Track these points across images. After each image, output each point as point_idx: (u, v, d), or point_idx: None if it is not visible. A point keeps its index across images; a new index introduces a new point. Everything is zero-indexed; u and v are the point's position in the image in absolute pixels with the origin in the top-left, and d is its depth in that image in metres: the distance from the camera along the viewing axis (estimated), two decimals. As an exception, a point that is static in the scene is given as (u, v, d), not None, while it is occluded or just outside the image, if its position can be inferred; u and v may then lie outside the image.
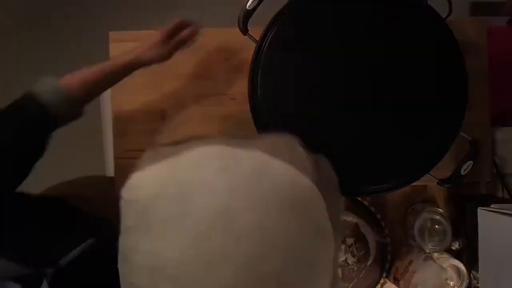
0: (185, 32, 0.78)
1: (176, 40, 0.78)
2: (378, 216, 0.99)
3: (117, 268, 0.41)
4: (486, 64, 1.00)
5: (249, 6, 0.78)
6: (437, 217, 0.92)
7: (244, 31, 0.80)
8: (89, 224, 0.67)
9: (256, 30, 0.78)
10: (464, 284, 0.89)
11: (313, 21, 0.77)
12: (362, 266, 0.99)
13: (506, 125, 0.97)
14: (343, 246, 0.99)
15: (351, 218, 0.99)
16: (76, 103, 0.66)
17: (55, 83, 0.64)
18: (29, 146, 0.62)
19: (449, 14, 0.89)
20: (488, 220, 0.75)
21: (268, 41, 0.77)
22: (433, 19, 0.79)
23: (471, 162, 0.80)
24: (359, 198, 0.99)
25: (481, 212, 0.77)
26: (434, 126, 0.77)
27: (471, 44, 1.00)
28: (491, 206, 0.75)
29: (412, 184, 0.85)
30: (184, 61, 0.95)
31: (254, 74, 0.77)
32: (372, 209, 0.99)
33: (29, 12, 1.82)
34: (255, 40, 0.79)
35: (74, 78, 0.66)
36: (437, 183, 0.82)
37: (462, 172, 0.80)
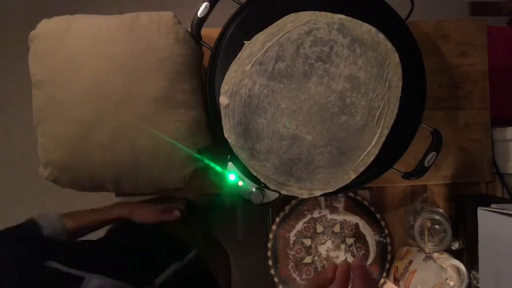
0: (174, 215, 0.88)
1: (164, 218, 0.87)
2: (378, 216, 0.99)
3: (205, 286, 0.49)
4: (486, 64, 1.00)
5: (200, 14, 0.79)
6: (437, 217, 0.92)
7: (198, 39, 0.81)
8: (176, 248, 0.81)
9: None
10: (464, 284, 0.89)
11: (263, 27, 0.77)
12: (362, 266, 0.99)
13: (506, 125, 0.97)
14: (343, 246, 0.99)
15: (351, 218, 0.99)
16: (69, 236, 0.78)
17: (56, 220, 0.76)
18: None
19: (410, 13, 0.90)
20: (488, 220, 0.75)
21: (222, 47, 0.79)
22: (392, 18, 0.80)
23: (435, 153, 0.80)
24: (359, 198, 0.99)
25: (481, 212, 0.76)
26: (395, 121, 0.78)
27: (471, 44, 1.00)
28: (491, 206, 0.75)
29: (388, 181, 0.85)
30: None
31: (210, 80, 0.79)
32: (372, 209, 0.99)
33: None
34: (210, 47, 0.80)
35: (72, 220, 0.79)
36: (402, 176, 0.82)
37: (426, 164, 0.81)
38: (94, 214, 0.85)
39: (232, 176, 0.83)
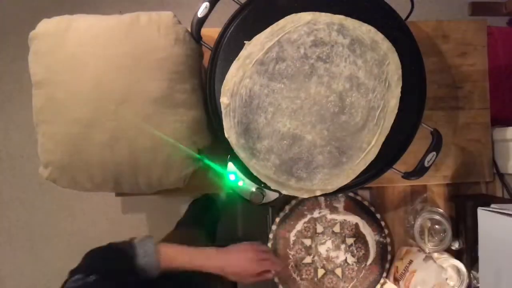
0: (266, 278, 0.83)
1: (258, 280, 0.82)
2: (378, 216, 0.99)
3: None
4: (486, 64, 1.00)
5: (200, 14, 0.79)
6: (437, 217, 0.92)
7: (198, 39, 0.81)
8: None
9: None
10: (464, 284, 0.89)
11: (263, 27, 0.77)
12: (362, 266, 0.99)
13: (506, 125, 0.97)
14: (343, 246, 0.99)
15: (351, 218, 0.99)
16: (158, 272, 0.73)
17: (152, 254, 0.72)
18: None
19: (410, 13, 0.90)
20: (488, 220, 0.75)
21: (222, 47, 0.79)
22: (392, 18, 0.80)
23: (435, 153, 0.80)
24: (359, 198, 0.99)
25: (481, 212, 0.76)
26: (395, 121, 0.78)
27: (471, 44, 1.00)
28: (491, 206, 0.75)
29: (403, 183, 0.85)
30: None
31: (210, 80, 0.79)
32: (372, 209, 0.99)
33: None
34: (210, 47, 0.80)
35: (167, 258, 0.74)
36: (402, 176, 0.82)
37: (426, 164, 0.81)
38: (189, 259, 0.77)
39: (232, 176, 0.83)
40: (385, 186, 1.01)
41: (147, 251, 0.72)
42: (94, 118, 0.74)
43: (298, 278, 0.99)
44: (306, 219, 0.99)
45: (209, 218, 1.45)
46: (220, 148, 0.80)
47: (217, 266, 0.78)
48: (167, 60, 0.76)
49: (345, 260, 0.99)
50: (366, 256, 0.99)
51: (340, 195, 0.99)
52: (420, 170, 0.81)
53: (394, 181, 0.98)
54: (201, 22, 0.79)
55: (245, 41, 0.77)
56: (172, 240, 0.85)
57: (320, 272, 0.99)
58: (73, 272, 0.63)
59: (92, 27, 0.77)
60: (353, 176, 0.79)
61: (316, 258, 0.99)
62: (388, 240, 0.98)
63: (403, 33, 0.79)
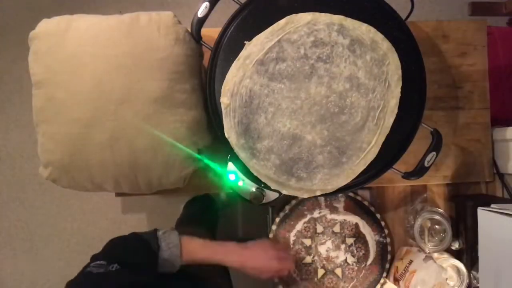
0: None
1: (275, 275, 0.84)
2: (378, 216, 0.99)
3: None
4: (486, 64, 1.00)
5: (200, 14, 0.79)
6: (437, 217, 0.92)
7: (198, 39, 0.81)
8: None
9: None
10: (464, 284, 0.89)
11: (263, 28, 0.77)
12: (362, 266, 0.99)
13: (506, 125, 0.97)
14: (343, 246, 0.99)
15: (351, 218, 0.99)
16: (179, 266, 0.74)
17: (176, 247, 0.73)
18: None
19: (410, 13, 0.90)
20: (488, 220, 0.75)
21: (222, 47, 0.79)
22: (392, 18, 0.80)
23: (435, 153, 0.80)
24: (359, 198, 0.99)
25: (481, 212, 0.77)
26: (395, 121, 0.78)
27: (471, 44, 1.00)
28: (491, 206, 0.75)
29: (404, 183, 0.85)
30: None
31: (210, 80, 0.79)
32: (372, 209, 0.99)
33: None
34: (210, 47, 0.80)
35: (188, 251, 0.75)
36: (402, 176, 0.82)
37: (426, 164, 0.81)
38: (211, 253, 0.78)
39: (232, 176, 0.83)
40: (385, 186, 1.01)
41: (171, 244, 0.72)
42: (94, 118, 0.74)
43: (298, 278, 0.99)
44: (306, 219, 0.99)
45: (207, 217, 1.45)
46: (220, 148, 0.80)
47: (238, 261, 0.79)
48: (167, 60, 0.76)
49: (345, 260, 0.99)
50: (366, 256, 0.99)
51: (340, 195, 0.99)
52: (420, 170, 0.81)
53: (394, 181, 0.98)
54: (201, 22, 0.79)
55: (245, 41, 0.77)
56: None
57: (320, 272, 0.99)
58: (95, 258, 0.63)
59: (92, 27, 0.77)
60: (353, 176, 0.79)
61: (316, 258, 0.99)
62: (388, 240, 0.98)
63: (403, 33, 0.79)
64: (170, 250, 0.72)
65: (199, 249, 0.77)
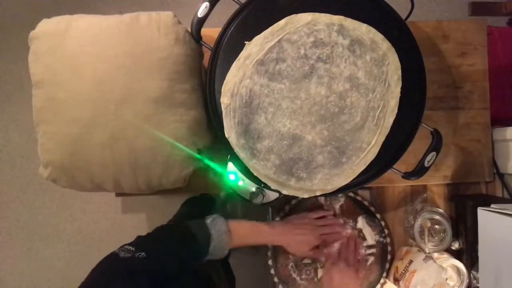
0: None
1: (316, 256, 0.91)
2: (378, 216, 0.99)
3: None
4: (486, 64, 1.00)
5: (200, 14, 0.79)
6: (437, 217, 0.92)
7: (198, 39, 0.81)
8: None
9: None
10: (464, 284, 0.89)
11: (263, 27, 0.77)
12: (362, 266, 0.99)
13: (506, 125, 0.97)
14: (343, 246, 0.99)
15: (352, 218, 0.99)
16: (227, 252, 0.76)
17: (225, 233, 0.75)
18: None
19: (410, 13, 0.90)
20: (488, 220, 0.75)
21: (222, 47, 0.79)
22: (392, 18, 0.80)
23: (435, 153, 0.80)
24: (359, 198, 0.99)
25: (481, 212, 0.77)
26: (395, 121, 0.78)
27: (471, 44, 1.00)
28: (491, 206, 0.75)
29: (404, 183, 0.84)
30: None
31: (210, 80, 0.79)
32: (372, 209, 0.99)
33: None
34: (210, 47, 0.80)
35: (237, 235, 0.77)
36: (402, 176, 0.82)
37: (426, 164, 0.81)
38: (260, 236, 0.82)
39: (232, 176, 0.83)
40: (385, 186, 1.01)
41: (220, 231, 0.74)
42: (94, 118, 0.74)
43: (298, 278, 0.99)
44: (306, 219, 0.99)
45: (205, 216, 1.45)
46: (220, 148, 0.80)
47: (284, 240, 0.85)
48: (167, 60, 0.76)
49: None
50: (366, 256, 0.99)
51: (340, 195, 0.99)
52: (420, 170, 0.81)
53: (394, 181, 0.98)
54: (201, 22, 0.79)
55: (245, 42, 0.77)
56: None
57: (320, 272, 0.99)
58: (130, 243, 0.63)
59: (92, 27, 0.77)
60: (353, 176, 0.79)
61: (316, 258, 0.99)
62: (388, 240, 0.98)
63: (403, 33, 0.79)
64: (220, 237, 0.73)
65: (248, 233, 0.79)
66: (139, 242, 0.65)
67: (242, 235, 0.77)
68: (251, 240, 0.79)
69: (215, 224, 0.75)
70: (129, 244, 0.62)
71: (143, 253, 0.59)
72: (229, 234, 0.75)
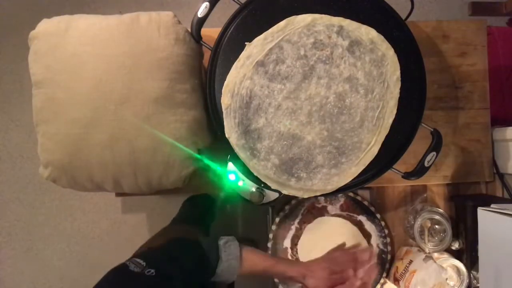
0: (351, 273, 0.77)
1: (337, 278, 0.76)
2: (378, 216, 0.99)
3: None
4: (486, 64, 1.00)
5: (200, 14, 0.79)
6: (437, 217, 0.92)
7: (198, 39, 0.81)
8: None
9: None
10: (464, 284, 0.89)
11: (263, 28, 0.77)
12: (362, 266, 0.99)
13: (506, 125, 0.97)
14: (343, 246, 0.99)
15: (354, 218, 0.99)
16: (235, 277, 0.74)
17: (235, 259, 0.72)
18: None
19: (410, 13, 0.90)
20: (488, 220, 0.75)
21: (222, 47, 0.79)
22: (392, 18, 0.80)
23: (435, 153, 0.80)
24: (359, 198, 0.99)
25: (481, 212, 0.77)
26: (395, 121, 0.78)
27: (471, 44, 1.00)
28: (491, 206, 0.75)
29: (405, 183, 0.84)
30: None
31: (210, 80, 0.79)
32: (372, 209, 0.99)
33: None
34: (210, 47, 0.80)
35: (248, 263, 0.74)
36: (402, 176, 0.82)
37: (426, 164, 0.81)
38: (273, 264, 0.77)
39: (232, 176, 0.83)
40: (385, 186, 1.01)
41: (230, 256, 0.72)
42: (94, 118, 0.74)
43: (298, 278, 0.98)
44: (306, 219, 0.99)
45: (204, 216, 1.45)
46: (220, 148, 0.80)
47: (300, 272, 0.77)
48: (167, 60, 0.76)
49: (345, 260, 0.99)
50: (366, 256, 0.99)
51: (340, 195, 0.99)
52: (420, 170, 0.81)
53: (394, 181, 0.98)
54: (201, 22, 0.79)
55: (246, 42, 0.77)
56: (165, 235, 0.85)
57: (320, 272, 0.99)
58: (139, 255, 0.61)
59: (92, 27, 0.77)
60: (352, 176, 0.79)
61: (316, 258, 0.99)
62: (388, 240, 0.98)
63: (403, 33, 0.79)
64: (229, 262, 0.71)
65: (260, 261, 0.76)
66: (150, 257, 0.63)
67: (254, 262, 0.75)
68: (263, 268, 0.75)
69: (227, 247, 0.73)
70: (139, 257, 0.61)
71: (153, 271, 0.58)
72: (240, 259, 0.73)
